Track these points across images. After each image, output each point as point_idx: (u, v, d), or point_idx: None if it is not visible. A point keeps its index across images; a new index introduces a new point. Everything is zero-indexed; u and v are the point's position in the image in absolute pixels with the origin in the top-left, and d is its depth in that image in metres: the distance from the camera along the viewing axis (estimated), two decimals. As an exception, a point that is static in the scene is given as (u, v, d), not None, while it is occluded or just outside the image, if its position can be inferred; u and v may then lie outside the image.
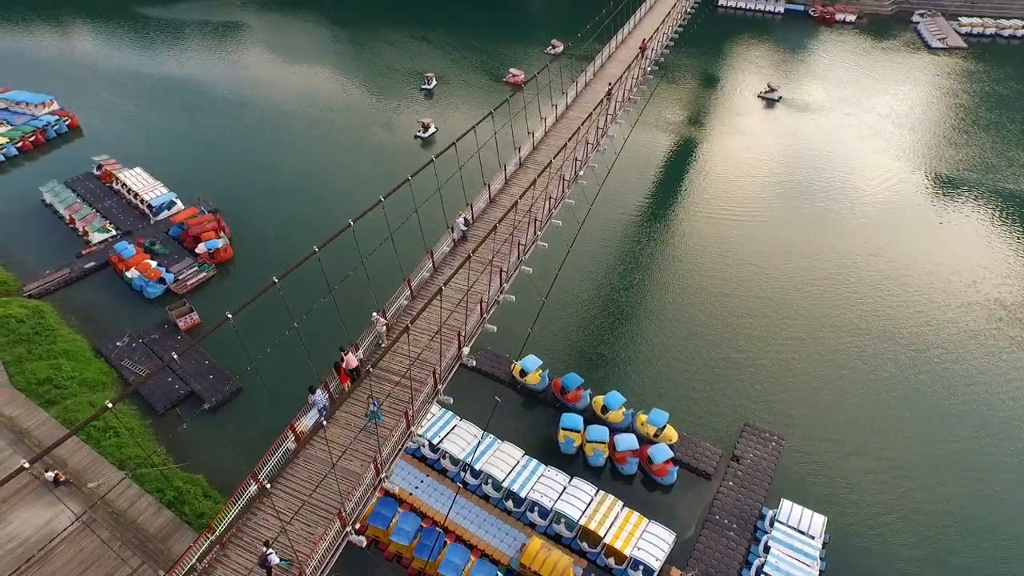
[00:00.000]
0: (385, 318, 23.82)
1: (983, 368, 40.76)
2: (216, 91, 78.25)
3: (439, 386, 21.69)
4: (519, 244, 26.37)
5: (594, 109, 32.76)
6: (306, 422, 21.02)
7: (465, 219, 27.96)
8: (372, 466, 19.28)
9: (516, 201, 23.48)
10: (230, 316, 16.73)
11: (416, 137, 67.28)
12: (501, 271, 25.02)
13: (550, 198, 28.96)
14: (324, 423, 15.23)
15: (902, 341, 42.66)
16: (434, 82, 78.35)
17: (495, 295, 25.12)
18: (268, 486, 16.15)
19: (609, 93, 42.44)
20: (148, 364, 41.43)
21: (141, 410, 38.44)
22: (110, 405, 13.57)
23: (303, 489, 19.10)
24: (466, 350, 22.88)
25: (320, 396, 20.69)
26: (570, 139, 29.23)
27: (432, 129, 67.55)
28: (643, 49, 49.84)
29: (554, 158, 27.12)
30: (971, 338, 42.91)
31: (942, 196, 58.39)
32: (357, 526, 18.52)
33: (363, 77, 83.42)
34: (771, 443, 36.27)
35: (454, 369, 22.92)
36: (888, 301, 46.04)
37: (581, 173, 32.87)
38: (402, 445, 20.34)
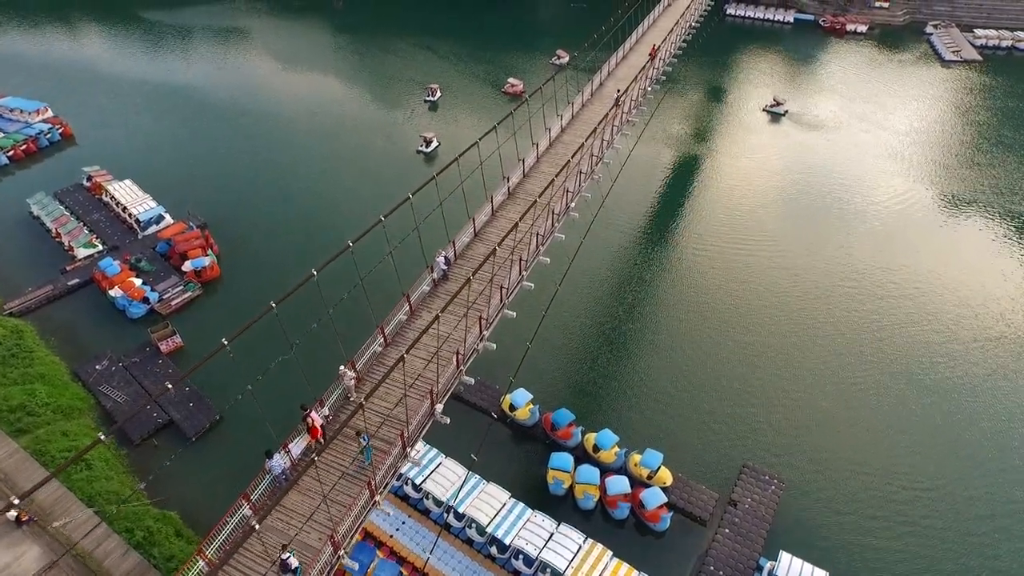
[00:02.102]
0: (354, 370, 22.30)
1: (1020, 414, 37.98)
2: (215, 99, 77.04)
3: (408, 449, 20.15)
4: (501, 287, 24.80)
5: (587, 138, 31.08)
6: (275, 467, 19.54)
7: (446, 257, 26.36)
8: (330, 542, 17.77)
9: (495, 248, 21.87)
10: (170, 387, 15.22)
11: (418, 152, 65.60)
12: (480, 318, 23.44)
13: (537, 235, 27.36)
14: (256, 526, 13.68)
15: (925, 381, 39.97)
16: (438, 94, 76.56)
17: (473, 344, 23.55)
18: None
19: (618, 101, 40.61)
20: (126, 390, 40.20)
21: (116, 439, 37.12)
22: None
23: (256, 568, 17.61)
24: (439, 408, 21.32)
25: (279, 461, 19.18)
26: (559, 172, 27.60)
27: (435, 144, 65.83)
28: (653, 56, 48.32)
29: (540, 196, 25.47)
30: (1003, 379, 40.08)
31: (963, 222, 55.51)
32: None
33: (366, 88, 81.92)
34: (771, 487, 34.48)
35: (426, 427, 21.39)
36: (908, 335, 43.34)
37: (572, 205, 31.24)
38: (363, 518, 18.80)
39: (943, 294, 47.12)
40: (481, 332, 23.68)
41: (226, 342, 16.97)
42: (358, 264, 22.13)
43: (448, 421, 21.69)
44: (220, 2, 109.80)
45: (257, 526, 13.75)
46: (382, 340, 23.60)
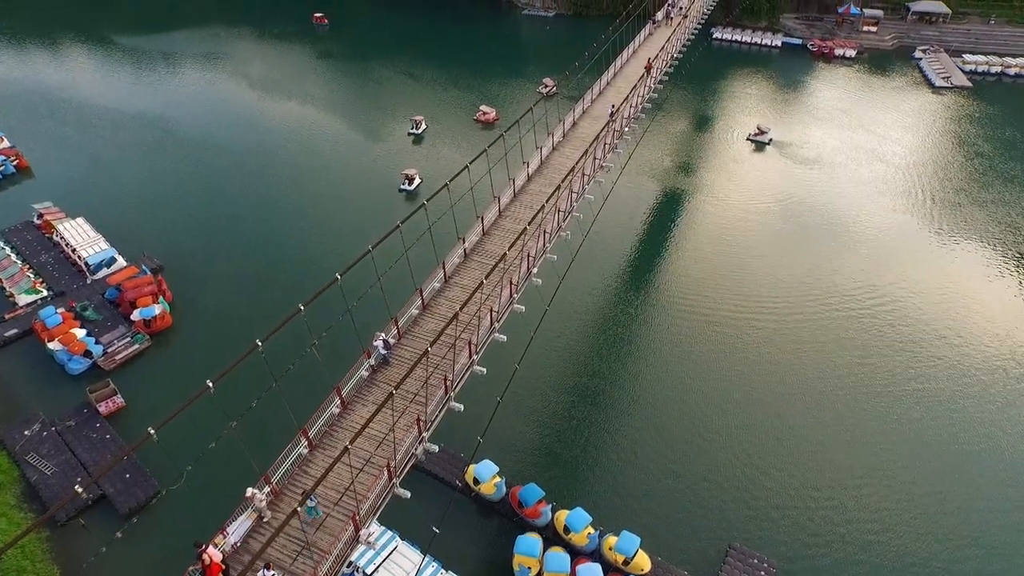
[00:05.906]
0: (270, 484, 19.10)
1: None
2: (186, 131, 73.29)
3: (324, 588, 16.98)
4: (446, 378, 21.75)
5: (550, 196, 28.23)
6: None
7: (385, 340, 23.29)
8: None
9: (427, 348, 18.83)
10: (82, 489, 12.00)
11: (400, 190, 62.41)
12: (419, 419, 20.37)
13: (492, 311, 24.39)
14: None
15: (934, 445, 36.84)
16: (423, 126, 73.22)
17: (411, 448, 20.43)
18: None
19: (613, 115, 38.52)
20: (57, 459, 36.74)
21: (37, 518, 33.54)
22: None
23: None
24: (364, 532, 18.17)
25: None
26: (518, 237, 24.70)
27: (417, 181, 62.44)
28: (648, 68, 46.97)
29: (487, 276, 22.40)
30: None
31: (964, 257, 52.96)
32: None
33: (347, 120, 78.22)
34: (760, 571, 31.37)
35: (348, 553, 18.20)
36: (913, 395, 40.02)
37: (535, 271, 28.32)
38: None
39: (958, 352, 43.39)
40: (420, 433, 20.60)
41: (118, 454, 13.75)
42: (281, 353, 19.09)
43: (373, 541, 18.53)
44: (199, 27, 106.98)
45: None
46: (306, 443, 20.43)
